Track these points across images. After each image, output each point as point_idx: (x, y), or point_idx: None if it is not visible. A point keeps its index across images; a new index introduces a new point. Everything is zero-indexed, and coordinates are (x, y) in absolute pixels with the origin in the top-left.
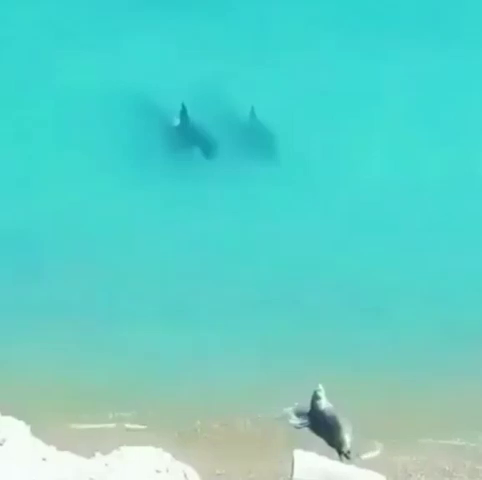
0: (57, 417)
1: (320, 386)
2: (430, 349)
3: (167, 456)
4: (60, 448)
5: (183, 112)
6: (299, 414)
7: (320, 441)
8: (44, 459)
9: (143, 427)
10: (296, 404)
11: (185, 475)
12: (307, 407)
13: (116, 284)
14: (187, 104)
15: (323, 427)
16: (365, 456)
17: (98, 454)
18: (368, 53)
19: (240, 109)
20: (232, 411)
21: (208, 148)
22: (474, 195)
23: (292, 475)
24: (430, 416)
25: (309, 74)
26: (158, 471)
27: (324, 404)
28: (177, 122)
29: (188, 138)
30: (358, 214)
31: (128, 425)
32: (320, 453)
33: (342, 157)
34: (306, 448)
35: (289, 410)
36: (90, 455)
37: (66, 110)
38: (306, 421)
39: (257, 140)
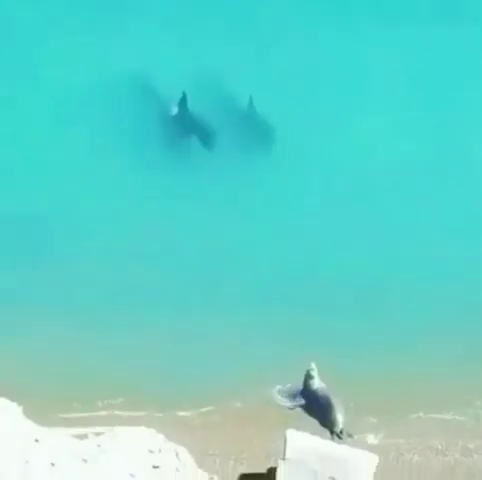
0: (48, 406)
1: (313, 365)
2: (422, 330)
3: (160, 437)
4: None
5: (182, 101)
6: (291, 395)
7: (313, 421)
8: (37, 440)
9: (142, 413)
10: (288, 385)
11: (177, 455)
12: (300, 386)
13: (110, 274)
14: (185, 93)
15: (316, 407)
16: (369, 440)
17: (91, 435)
18: (366, 41)
19: (238, 98)
20: (225, 392)
21: (206, 137)
22: (473, 183)
23: (284, 455)
24: (422, 392)
25: (308, 64)
26: (151, 451)
27: (317, 383)
28: (175, 111)
29: (186, 127)
30: (357, 202)
31: (118, 412)
32: (313, 433)
33: (341, 147)
34: (299, 428)
35: (275, 390)
36: (83, 436)
37: (64, 99)
38: (299, 402)
39: (255, 129)
